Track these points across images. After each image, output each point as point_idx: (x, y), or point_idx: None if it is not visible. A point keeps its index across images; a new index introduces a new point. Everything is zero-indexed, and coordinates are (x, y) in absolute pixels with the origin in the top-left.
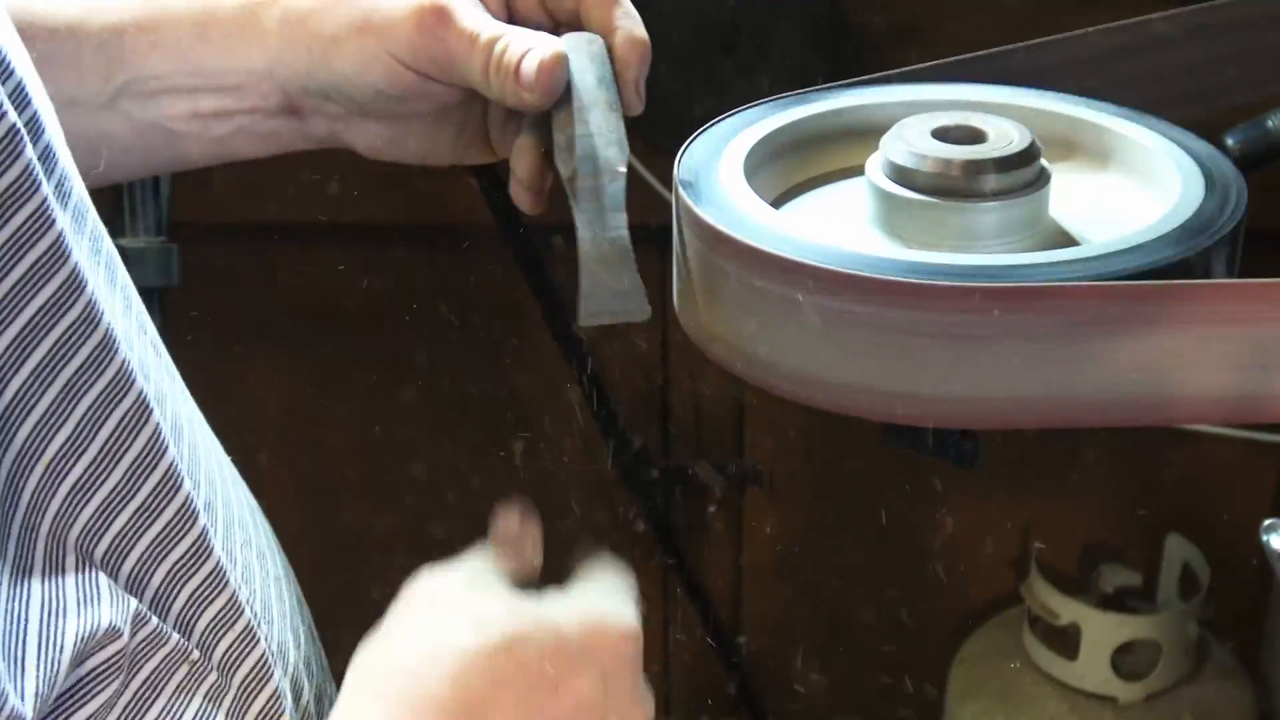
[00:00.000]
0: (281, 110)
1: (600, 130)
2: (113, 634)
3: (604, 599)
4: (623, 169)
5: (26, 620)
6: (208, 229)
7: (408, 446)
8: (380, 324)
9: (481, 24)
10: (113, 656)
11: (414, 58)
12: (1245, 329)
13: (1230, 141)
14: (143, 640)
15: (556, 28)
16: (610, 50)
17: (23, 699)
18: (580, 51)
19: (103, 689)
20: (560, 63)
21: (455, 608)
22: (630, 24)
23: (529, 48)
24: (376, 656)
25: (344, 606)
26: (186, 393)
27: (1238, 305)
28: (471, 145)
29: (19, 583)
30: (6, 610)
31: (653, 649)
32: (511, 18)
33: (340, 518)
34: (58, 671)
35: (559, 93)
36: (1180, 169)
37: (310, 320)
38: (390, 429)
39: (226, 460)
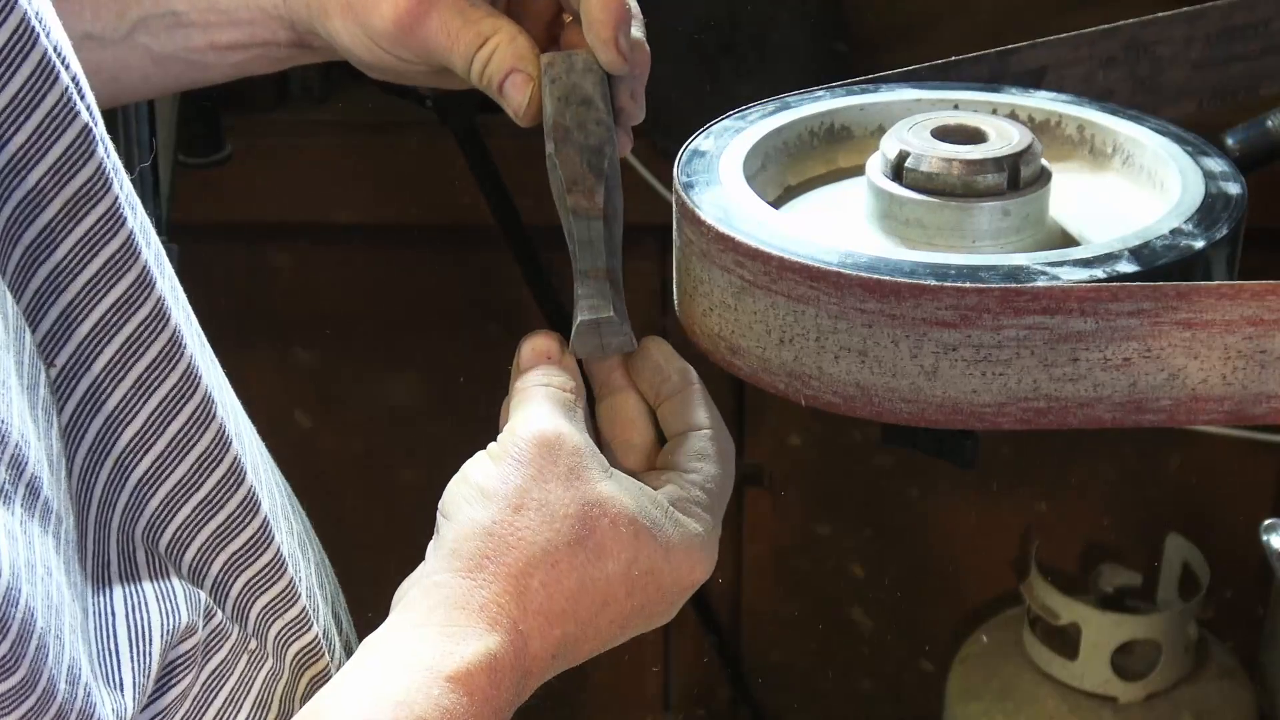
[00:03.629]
0: (291, 44)
1: (599, 234)
2: (190, 630)
3: (709, 532)
4: (617, 262)
5: (114, 615)
6: (208, 229)
7: (407, 446)
8: (380, 324)
9: (463, 23)
10: (189, 650)
11: (392, 46)
12: (1245, 329)
13: (1230, 141)
14: (211, 632)
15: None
16: (583, 16)
17: (121, 690)
18: (558, 80)
19: (180, 680)
20: (536, 102)
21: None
22: (635, 37)
23: (512, 68)
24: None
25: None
26: (227, 380)
27: (1238, 305)
28: None
29: (100, 579)
30: (94, 606)
31: (653, 649)
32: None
33: (339, 518)
34: (151, 663)
35: (538, 120)
36: (1180, 169)
37: (310, 320)
38: (389, 429)
39: (263, 446)
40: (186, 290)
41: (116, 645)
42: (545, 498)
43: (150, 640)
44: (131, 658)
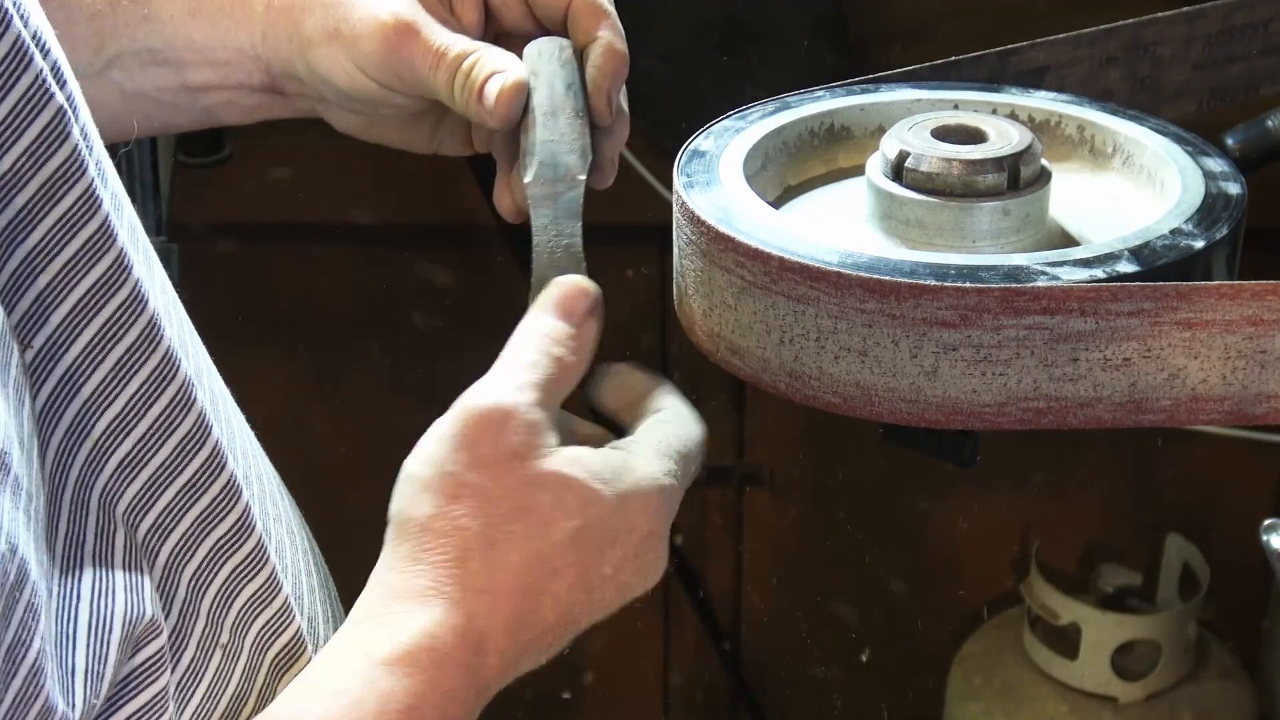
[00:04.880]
0: (265, 88)
1: (563, 137)
2: (153, 627)
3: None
4: (582, 177)
5: (79, 598)
6: (208, 229)
7: (407, 446)
8: (380, 324)
9: (449, 41)
10: (159, 650)
11: (377, 71)
12: (1245, 329)
13: (1230, 141)
14: (173, 630)
15: (542, 33)
16: (585, 58)
17: (73, 676)
18: (552, 57)
19: (153, 681)
20: (520, 89)
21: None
22: (612, 35)
23: (495, 70)
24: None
25: (343, 606)
26: (215, 369)
27: (1238, 305)
28: (449, 139)
29: (72, 561)
30: (60, 588)
31: (653, 649)
32: (496, 23)
33: (339, 518)
34: (108, 652)
35: (516, 118)
36: (1180, 169)
37: (310, 320)
38: (390, 428)
39: (252, 434)
40: (186, 290)
41: (75, 630)
42: (483, 482)
43: (110, 629)
44: (88, 644)
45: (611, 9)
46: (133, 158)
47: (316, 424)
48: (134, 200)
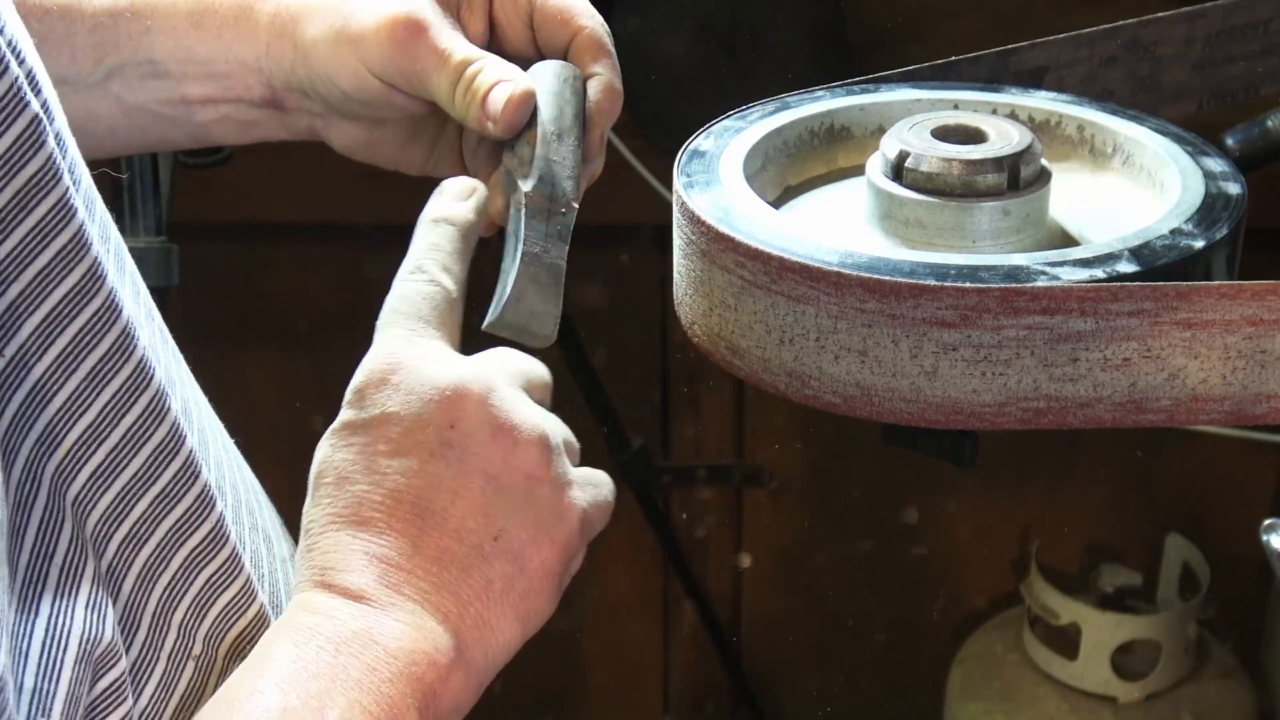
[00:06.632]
0: (265, 102)
1: (565, 161)
2: (113, 652)
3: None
4: (575, 205)
5: (36, 615)
6: (208, 229)
7: None
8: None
9: (455, 44)
10: (119, 677)
11: (382, 68)
12: (1245, 329)
13: (1230, 141)
14: (143, 645)
15: (541, 59)
16: (585, 91)
17: (20, 692)
18: (566, 81)
19: (114, 709)
20: (528, 99)
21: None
22: (612, 74)
23: (501, 78)
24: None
25: None
26: (191, 376)
27: (1238, 305)
28: (444, 160)
29: (36, 575)
30: (20, 602)
31: (653, 649)
32: (499, 42)
33: None
34: (59, 670)
35: (520, 127)
36: (1180, 169)
37: (310, 320)
38: None
39: (230, 442)
40: (186, 290)
41: (29, 646)
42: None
43: (65, 648)
44: (39, 662)
45: (612, 47)
46: (133, 158)
47: (315, 424)
48: (134, 200)
